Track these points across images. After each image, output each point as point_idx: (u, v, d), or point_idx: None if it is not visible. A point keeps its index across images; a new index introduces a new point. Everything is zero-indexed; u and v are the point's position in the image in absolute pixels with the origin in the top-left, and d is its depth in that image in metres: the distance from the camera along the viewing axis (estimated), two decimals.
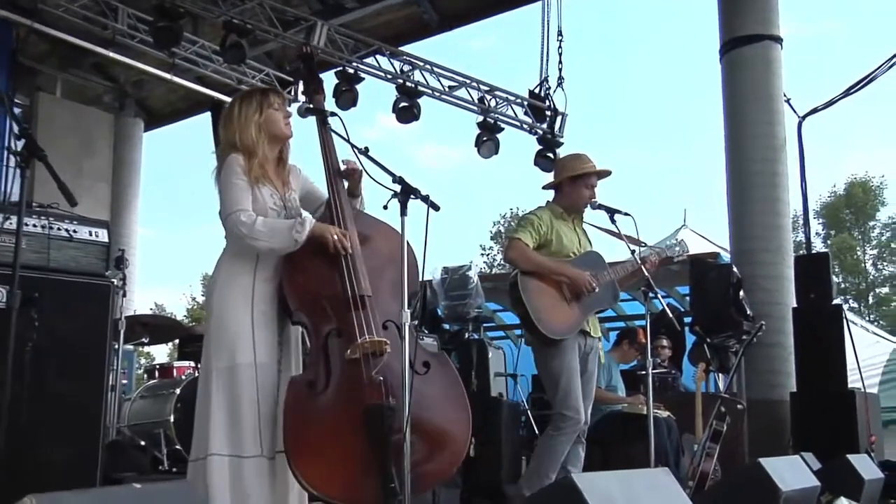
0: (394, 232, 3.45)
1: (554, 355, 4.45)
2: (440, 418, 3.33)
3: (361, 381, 3.21)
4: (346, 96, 9.14)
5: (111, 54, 9.57)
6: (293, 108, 3.65)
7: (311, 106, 3.54)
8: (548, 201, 4.82)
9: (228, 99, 10.62)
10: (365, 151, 3.17)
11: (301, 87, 10.13)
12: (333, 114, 3.33)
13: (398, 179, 3.10)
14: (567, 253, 4.62)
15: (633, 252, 4.62)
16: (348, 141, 3.24)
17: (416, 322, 7.00)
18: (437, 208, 3.09)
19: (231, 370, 3.24)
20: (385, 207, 3.13)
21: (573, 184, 4.70)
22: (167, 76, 10.15)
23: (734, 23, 8.41)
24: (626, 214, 4.59)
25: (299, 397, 3.21)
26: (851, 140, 48.88)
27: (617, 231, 4.61)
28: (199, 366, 6.48)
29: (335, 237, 3.31)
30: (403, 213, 3.11)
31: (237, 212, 3.27)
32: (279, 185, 3.45)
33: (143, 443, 6.17)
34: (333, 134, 3.46)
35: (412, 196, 3.10)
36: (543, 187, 4.88)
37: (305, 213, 3.37)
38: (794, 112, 8.75)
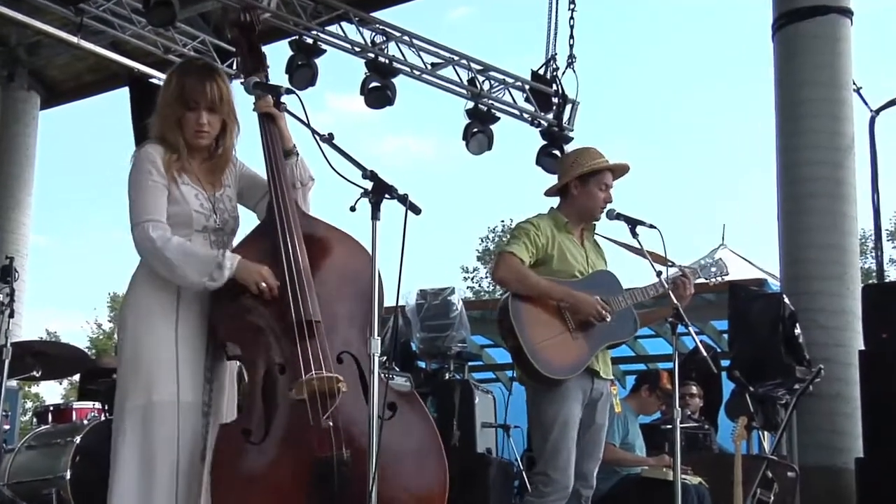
0: (354, 242, 3.54)
1: (551, 400, 4.50)
2: (407, 476, 3.37)
3: (309, 427, 3.26)
4: (303, 72, 9.21)
5: None
6: (236, 84, 3.71)
7: (260, 80, 3.59)
8: (551, 208, 4.89)
9: (151, 72, 10.63)
10: (329, 139, 3.21)
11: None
12: (290, 90, 3.39)
13: (370, 175, 3.15)
14: (571, 272, 4.68)
15: (658, 274, 4.67)
16: (308, 125, 3.29)
17: (384, 357, 7.06)
18: (417, 211, 3.14)
19: (146, 409, 3.31)
20: (353, 209, 3.15)
21: (583, 184, 4.76)
22: (72, 39, 10.11)
23: None
24: (652, 227, 4.65)
25: (232, 449, 3.26)
26: None
27: (638, 246, 4.67)
28: (105, 407, 6.47)
29: (260, 282, 3.37)
30: (375, 216, 3.16)
31: (147, 222, 3.37)
32: (206, 184, 3.55)
33: None
34: (289, 117, 3.50)
35: (387, 196, 3.15)
36: (546, 193, 4.95)
37: (228, 254, 3.42)
38: (866, 105, 8.84)
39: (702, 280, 4.96)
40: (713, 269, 4.98)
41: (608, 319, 4.57)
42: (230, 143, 3.60)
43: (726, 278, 5.05)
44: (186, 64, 3.75)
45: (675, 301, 4.62)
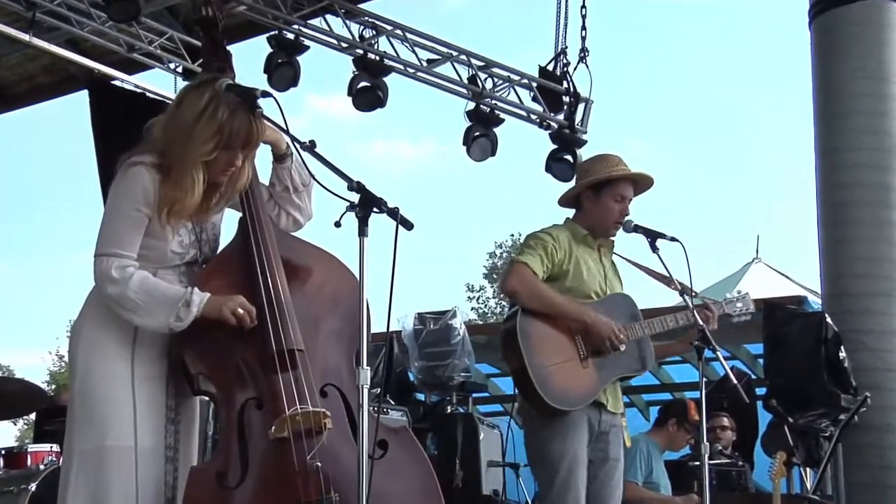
0: (336, 262, 3.61)
1: (555, 434, 4.55)
2: None
3: (292, 469, 3.29)
4: (283, 72, 9.21)
5: None
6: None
7: (234, 83, 3.60)
8: (566, 219, 4.94)
9: (113, 72, 10.66)
10: (311, 147, 3.25)
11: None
12: (266, 93, 3.40)
13: (356, 186, 3.18)
14: (587, 292, 4.73)
15: (685, 307, 4.71)
16: (287, 132, 3.32)
17: (376, 390, 7.07)
18: (409, 227, 3.17)
19: (99, 454, 3.32)
20: (337, 224, 3.16)
21: (596, 195, 4.82)
22: (24, 37, 10.12)
23: None
24: (674, 240, 4.70)
25: (205, 495, 3.28)
26: None
27: (667, 272, 4.71)
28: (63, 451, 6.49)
29: (233, 311, 3.37)
30: (363, 232, 3.18)
31: (111, 256, 3.37)
32: (196, 215, 3.54)
33: None
34: (266, 123, 3.52)
35: (375, 209, 3.18)
36: (560, 202, 5.00)
37: (196, 290, 3.39)
38: None
39: (727, 312, 4.99)
40: (739, 305, 5.01)
41: (622, 349, 4.63)
42: (244, 183, 3.57)
43: (751, 312, 5.06)
44: (225, 96, 3.42)
45: (701, 323, 4.66)
